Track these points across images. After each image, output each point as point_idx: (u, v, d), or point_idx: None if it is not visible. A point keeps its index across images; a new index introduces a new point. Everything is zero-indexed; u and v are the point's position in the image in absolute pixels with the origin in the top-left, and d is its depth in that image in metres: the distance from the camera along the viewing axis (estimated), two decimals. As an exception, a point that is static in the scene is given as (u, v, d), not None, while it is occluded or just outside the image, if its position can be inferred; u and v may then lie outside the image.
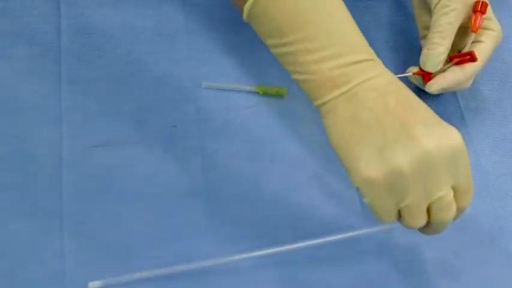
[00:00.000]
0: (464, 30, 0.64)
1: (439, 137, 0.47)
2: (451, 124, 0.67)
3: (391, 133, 0.47)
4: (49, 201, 0.58)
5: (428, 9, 0.64)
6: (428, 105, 0.67)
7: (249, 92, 0.66)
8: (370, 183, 0.47)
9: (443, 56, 0.62)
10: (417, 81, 0.65)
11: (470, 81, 0.65)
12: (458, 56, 0.62)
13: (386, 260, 0.59)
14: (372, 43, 0.70)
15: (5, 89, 0.62)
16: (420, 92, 0.67)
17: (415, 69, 0.64)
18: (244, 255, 0.55)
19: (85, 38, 0.65)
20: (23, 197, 0.57)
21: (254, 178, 0.61)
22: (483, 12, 0.62)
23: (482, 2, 0.62)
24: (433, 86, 0.62)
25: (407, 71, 0.65)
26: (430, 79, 0.63)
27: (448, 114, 0.68)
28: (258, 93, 0.65)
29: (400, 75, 0.65)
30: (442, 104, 0.68)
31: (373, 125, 0.47)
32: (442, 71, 0.62)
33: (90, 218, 0.58)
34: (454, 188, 0.49)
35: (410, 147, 0.46)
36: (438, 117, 0.49)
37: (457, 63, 0.62)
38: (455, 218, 0.51)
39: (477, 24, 0.62)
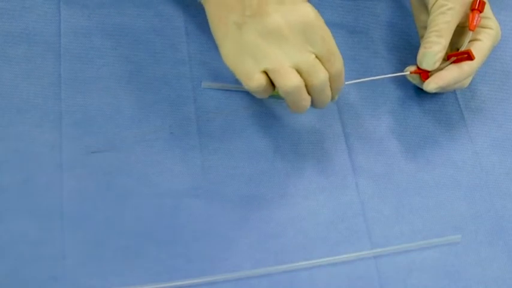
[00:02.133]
0: (462, 29, 0.64)
1: (289, 12, 0.54)
2: (451, 124, 0.67)
3: (248, 11, 0.54)
4: (49, 201, 0.58)
5: (426, 9, 0.64)
6: (428, 105, 0.68)
7: (249, 92, 0.65)
8: (227, 54, 0.57)
9: (440, 55, 0.62)
10: (415, 80, 0.65)
11: (469, 80, 0.65)
12: (456, 54, 0.62)
13: (385, 260, 0.59)
14: (372, 43, 0.71)
15: (5, 89, 0.62)
16: (419, 91, 0.67)
17: (412, 68, 0.64)
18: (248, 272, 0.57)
19: (85, 38, 0.65)
20: (23, 197, 0.57)
21: (254, 178, 0.62)
22: (480, 10, 0.62)
23: (480, 0, 0.62)
24: (430, 85, 0.62)
25: (405, 70, 0.65)
26: (427, 78, 0.63)
27: (448, 114, 0.68)
28: (258, 93, 0.65)
29: (397, 74, 0.65)
30: (442, 103, 0.68)
31: (234, 5, 0.55)
32: (440, 69, 0.62)
33: (90, 218, 0.58)
34: (318, 57, 0.56)
35: (262, 22, 0.54)
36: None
37: (454, 62, 0.62)
38: (335, 87, 0.58)
39: (474, 23, 0.62)
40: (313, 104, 0.59)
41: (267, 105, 0.65)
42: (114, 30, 0.66)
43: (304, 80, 0.56)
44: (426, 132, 0.66)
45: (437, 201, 0.63)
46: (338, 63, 0.57)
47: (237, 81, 0.66)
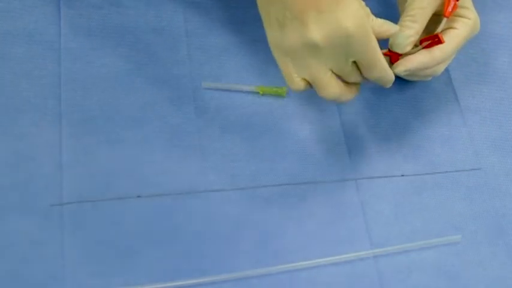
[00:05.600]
0: (439, 18, 0.62)
1: (327, 24, 0.53)
2: (451, 123, 0.67)
3: (289, 13, 0.53)
4: (49, 201, 0.58)
5: None
6: (428, 105, 0.68)
7: (249, 92, 0.66)
8: (272, 47, 0.56)
9: (412, 39, 0.61)
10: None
11: (442, 67, 0.64)
12: (426, 39, 0.62)
13: (385, 260, 0.59)
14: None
15: (5, 89, 0.62)
16: (419, 92, 0.67)
17: (384, 50, 0.63)
18: (247, 272, 0.57)
19: (85, 38, 0.65)
20: (23, 197, 0.57)
21: (254, 178, 0.62)
22: None
23: None
24: (399, 67, 0.61)
25: None
26: (397, 61, 0.62)
27: (448, 114, 0.68)
28: (258, 93, 0.65)
29: None
30: (442, 104, 0.68)
31: (277, 1, 0.53)
32: (410, 53, 0.62)
33: (90, 218, 0.58)
34: (357, 63, 0.56)
35: (300, 31, 0.53)
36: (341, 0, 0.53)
37: (426, 47, 0.62)
38: (380, 80, 0.58)
39: (449, 9, 0.61)
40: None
41: (267, 105, 0.65)
42: (114, 30, 0.66)
43: (342, 79, 0.57)
44: (426, 132, 0.66)
45: (437, 201, 0.63)
46: (377, 72, 0.57)
47: (237, 81, 0.66)
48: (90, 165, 0.60)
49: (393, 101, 0.68)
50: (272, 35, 0.56)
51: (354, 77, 0.57)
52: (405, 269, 0.59)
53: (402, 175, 0.64)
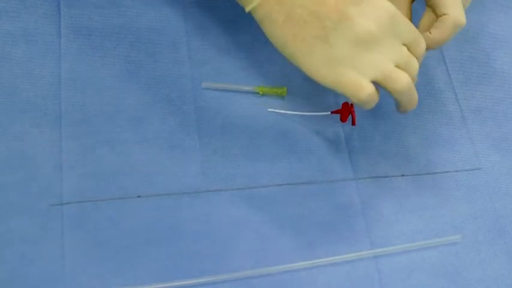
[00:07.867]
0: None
1: (371, 12, 0.51)
2: (451, 124, 0.67)
3: (328, 21, 0.51)
4: (49, 201, 0.58)
5: None
6: (428, 105, 0.68)
7: (249, 92, 0.66)
8: (317, 70, 0.52)
9: None
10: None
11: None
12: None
13: (385, 260, 0.59)
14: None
15: (5, 89, 0.62)
16: (418, 92, 0.67)
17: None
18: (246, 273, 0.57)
19: (85, 38, 0.65)
20: (23, 197, 0.57)
21: (254, 178, 0.62)
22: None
23: None
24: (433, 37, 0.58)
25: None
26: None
27: (448, 114, 0.68)
28: (258, 93, 0.65)
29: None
30: (442, 103, 0.68)
31: (309, 20, 0.51)
32: None
33: (90, 218, 0.58)
34: (406, 45, 0.54)
35: (349, 29, 0.51)
36: None
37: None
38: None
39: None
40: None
41: (267, 105, 0.65)
42: (114, 30, 0.66)
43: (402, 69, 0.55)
44: (426, 132, 0.66)
45: (437, 201, 0.63)
46: (423, 42, 0.55)
47: (237, 81, 0.66)
48: (90, 165, 0.60)
49: (393, 101, 0.67)
50: (316, 56, 0.52)
51: (413, 63, 0.54)
52: (405, 269, 0.59)
53: (402, 175, 0.64)
